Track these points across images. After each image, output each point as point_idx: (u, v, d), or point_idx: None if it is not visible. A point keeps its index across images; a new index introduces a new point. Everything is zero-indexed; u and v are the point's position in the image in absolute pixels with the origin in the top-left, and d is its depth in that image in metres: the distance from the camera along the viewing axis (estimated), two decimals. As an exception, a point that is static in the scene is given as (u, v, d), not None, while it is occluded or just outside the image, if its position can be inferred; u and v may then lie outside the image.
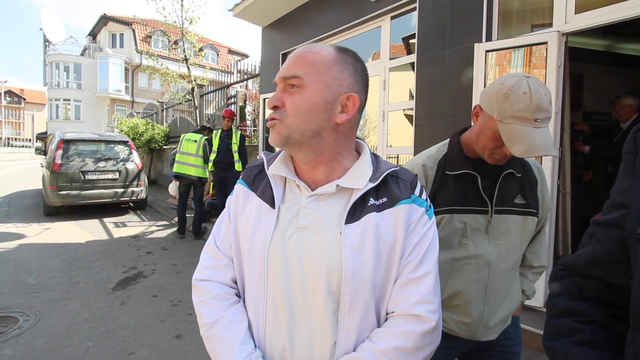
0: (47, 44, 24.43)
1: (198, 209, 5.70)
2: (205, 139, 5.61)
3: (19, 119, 38.13)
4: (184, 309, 3.25)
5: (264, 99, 5.83)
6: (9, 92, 39.59)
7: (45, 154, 7.98)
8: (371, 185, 0.76)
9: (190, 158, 5.56)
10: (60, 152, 6.71)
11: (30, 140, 30.18)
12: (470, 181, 1.11)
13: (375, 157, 0.83)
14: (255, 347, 0.77)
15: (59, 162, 6.61)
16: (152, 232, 6.05)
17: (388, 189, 0.78)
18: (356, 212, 0.74)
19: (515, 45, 2.76)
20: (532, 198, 1.16)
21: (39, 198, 8.03)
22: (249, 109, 9.07)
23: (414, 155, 3.55)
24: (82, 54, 25.78)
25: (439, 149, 1.21)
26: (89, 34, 27.18)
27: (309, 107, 0.72)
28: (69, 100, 24.60)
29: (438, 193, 1.14)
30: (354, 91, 0.75)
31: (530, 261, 1.27)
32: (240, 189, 0.87)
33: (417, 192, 0.80)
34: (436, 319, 0.72)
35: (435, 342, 0.74)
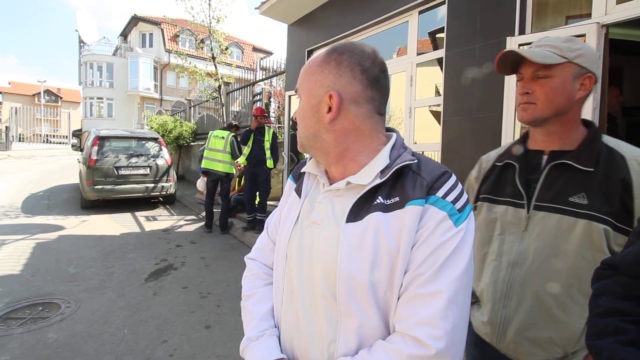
0: (81, 44, 25.54)
1: (224, 205, 5.83)
2: (233, 136, 5.73)
3: (56, 117, 40.11)
4: (213, 301, 3.35)
5: (289, 96, 5.88)
6: (47, 92, 41.70)
7: (81, 150, 8.37)
8: (378, 181, 0.70)
9: (217, 154, 5.70)
10: (95, 148, 7.03)
11: (66, 137, 31.71)
12: (512, 172, 1.04)
13: (397, 151, 0.75)
14: (275, 326, 0.84)
15: (95, 158, 6.93)
16: (181, 226, 6.25)
17: (402, 186, 0.70)
18: (360, 210, 0.70)
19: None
20: (609, 201, 0.88)
21: (76, 192, 8.45)
22: (273, 106, 9.18)
23: (441, 152, 3.50)
24: (114, 54, 26.78)
25: (510, 144, 1.14)
26: (121, 34, 28.20)
27: (302, 115, 0.79)
28: (102, 98, 25.65)
29: (483, 184, 1.13)
30: (335, 88, 0.73)
31: None
32: (289, 183, 0.94)
33: (440, 193, 0.68)
34: (439, 346, 0.61)
35: None
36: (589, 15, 2.60)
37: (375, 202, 0.70)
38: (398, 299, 0.67)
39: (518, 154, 1.06)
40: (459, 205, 0.68)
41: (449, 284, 0.63)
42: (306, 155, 0.93)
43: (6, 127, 24.37)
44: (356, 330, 0.69)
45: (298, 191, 0.86)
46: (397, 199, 0.69)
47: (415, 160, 0.72)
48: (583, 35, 2.50)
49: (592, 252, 0.89)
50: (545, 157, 1.01)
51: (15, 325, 2.81)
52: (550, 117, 0.97)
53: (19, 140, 25.96)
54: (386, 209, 0.69)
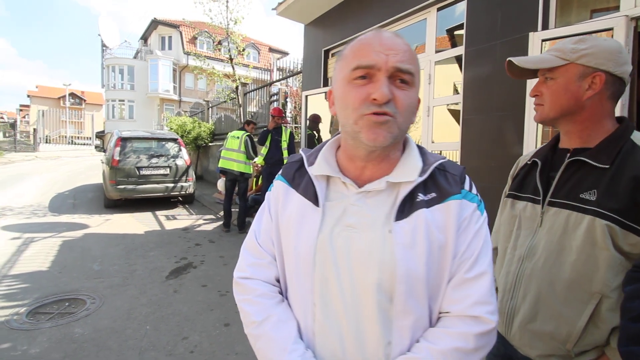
0: (104, 48, 26.30)
1: (242, 204, 5.90)
2: (247, 135, 5.80)
3: (80, 119, 41.46)
4: (231, 299, 3.38)
5: (306, 96, 5.89)
6: (72, 95, 43.14)
7: (104, 150, 8.62)
8: (420, 179, 0.73)
9: (232, 154, 5.79)
10: (118, 149, 7.23)
11: (90, 138, 32.74)
12: (535, 169, 1.08)
13: (420, 149, 0.79)
14: (306, 348, 0.75)
15: (117, 158, 7.12)
16: (199, 225, 6.36)
17: (436, 183, 0.74)
18: (405, 208, 0.71)
19: (576, 33, 2.57)
20: (617, 197, 0.87)
21: (100, 191, 8.71)
22: (289, 106, 9.22)
23: (461, 151, 3.44)
24: (135, 57, 27.45)
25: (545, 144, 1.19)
26: (141, 38, 28.88)
27: (414, 110, 0.75)
28: (123, 100, 26.35)
29: (513, 181, 1.17)
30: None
31: None
32: (280, 186, 0.85)
33: (467, 186, 0.76)
34: (495, 319, 0.70)
35: (492, 342, 0.72)
36: (616, 8, 2.51)
37: (418, 199, 0.72)
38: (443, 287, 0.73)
39: (545, 152, 1.09)
40: (478, 195, 0.77)
41: (488, 265, 0.72)
42: (299, 151, 0.87)
43: (34, 130, 25.36)
44: (411, 327, 0.71)
45: (307, 195, 0.78)
46: (433, 194, 0.73)
47: (446, 160, 0.78)
48: (610, 30, 2.41)
49: (594, 249, 0.89)
50: (568, 155, 1.03)
51: (44, 319, 2.92)
52: (559, 118, 1.00)
53: (46, 142, 26.96)
54: (427, 204, 0.72)
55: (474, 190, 0.77)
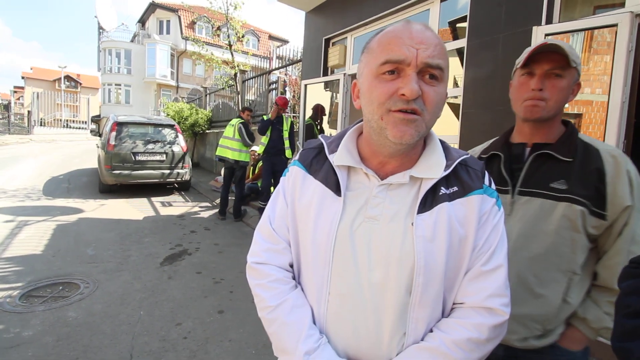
0: (101, 31, 25.84)
1: (238, 192, 5.89)
2: (241, 122, 5.76)
3: (75, 102, 40.96)
4: (226, 287, 3.40)
5: (305, 85, 5.84)
6: (67, 77, 42.53)
7: (99, 135, 8.54)
8: (444, 174, 0.73)
9: (228, 142, 5.79)
10: (114, 133, 7.16)
11: (85, 122, 32.38)
12: (497, 162, 1.13)
13: (443, 144, 0.79)
14: (321, 333, 0.76)
15: (113, 143, 7.05)
16: (195, 213, 6.35)
17: (458, 177, 0.75)
18: (427, 201, 0.72)
19: (580, 28, 2.55)
20: (585, 186, 0.98)
21: (95, 176, 8.65)
22: (288, 94, 9.13)
23: (459, 145, 3.43)
24: (132, 41, 27.02)
25: (494, 139, 1.24)
26: (139, 21, 28.39)
27: (442, 103, 0.72)
28: (120, 85, 26.01)
29: None
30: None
31: (605, 280, 1.01)
32: (297, 172, 0.84)
33: (487, 181, 0.78)
34: (508, 312, 0.73)
35: (504, 334, 0.75)
36: (622, 5, 2.48)
37: (441, 193, 0.73)
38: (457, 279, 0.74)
39: (502, 146, 1.15)
40: (496, 190, 0.79)
41: (504, 258, 0.75)
42: (319, 137, 0.86)
43: (28, 112, 25.03)
44: (426, 318, 0.72)
45: (328, 183, 0.77)
46: (455, 188, 0.74)
47: (469, 155, 0.79)
48: (614, 25, 2.39)
49: (570, 232, 0.99)
50: (527, 149, 1.10)
51: (37, 303, 2.91)
52: (553, 115, 1.05)
53: (40, 125, 26.64)
54: (450, 198, 0.73)
55: (493, 186, 0.79)
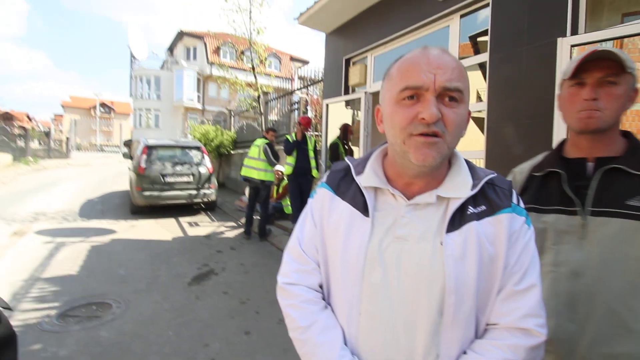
0: (133, 59, 27.37)
1: (263, 212, 5.95)
2: (266, 143, 5.85)
3: (109, 128, 43.27)
4: (252, 307, 3.41)
5: (327, 104, 5.92)
6: (102, 104, 45.12)
7: (131, 158, 8.92)
8: (471, 193, 0.74)
9: (253, 162, 5.88)
10: (144, 156, 7.46)
11: (117, 146, 34.01)
12: (556, 180, 1.03)
13: (468, 164, 0.80)
14: (352, 354, 0.76)
15: (144, 165, 7.34)
16: (221, 232, 6.45)
17: (486, 196, 0.75)
18: (455, 221, 0.72)
19: (607, 38, 2.48)
20: None
21: (126, 198, 8.99)
22: (310, 114, 9.27)
23: (485, 160, 3.35)
24: (161, 68, 28.42)
25: (544, 155, 1.14)
26: (168, 49, 29.91)
27: (463, 125, 0.72)
28: (150, 109, 27.24)
29: (522, 195, 1.10)
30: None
31: None
32: (325, 193, 0.86)
33: (514, 200, 0.77)
34: (545, 333, 0.71)
35: (540, 356, 0.73)
36: (651, 12, 2.40)
37: (469, 212, 0.73)
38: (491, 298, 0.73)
39: (557, 162, 1.05)
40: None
41: (537, 277, 0.73)
42: (345, 159, 0.88)
43: (67, 138, 26.58)
44: (459, 339, 0.71)
45: (356, 204, 0.79)
46: (483, 207, 0.74)
47: (495, 174, 0.79)
48: (646, 33, 2.30)
49: None
50: (589, 164, 1.01)
51: (72, 322, 3.02)
52: (612, 126, 0.97)
53: (77, 149, 28.18)
54: (478, 217, 0.73)
55: (522, 204, 0.78)
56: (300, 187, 5.58)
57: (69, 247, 5.20)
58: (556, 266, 0.99)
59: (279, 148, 7.64)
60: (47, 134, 25.48)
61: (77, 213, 7.70)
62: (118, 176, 14.54)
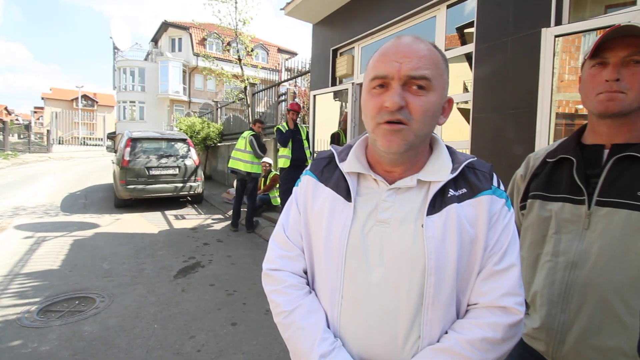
0: (116, 51, 26.69)
1: (250, 204, 5.91)
2: (252, 135, 5.80)
3: (92, 120, 42.18)
4: (239, 299, 3.39)
5: (314, 96, 5.88)
6: (84, 97, 43.90)
7: (115, 151, 8.73)
8: (451, 176, 0.75)
9: (239, 154, 5.82)
10: (128, 149, 7.31)
11: (101, 139, 33.22)
12: (568, 168, 0.98)
13: (449, 149, 0.82)
14: (335, 337, 0.77)
15: (128, 158, 7.20)
16: (208, 225, 6.39)
17: (467, 180, 0.77)
18: (436, 203, 0.74)
19: (590, 28, 2.50)
20: None
21: (110, 191, 8.82)
22: (298, 106, 9.19)
23: (471, 150, 3.38)
24: (145, 59, 27.79)
25: (562, 140, 1.08)
26: (152, 40, 29.24)
27: (432, 112, 0.72)
28: (134, 102, 26.70)
29: (532, 181, 1.07)
30: (447, 91, 0.79)
31: None
32: (309, 180, 0.87)
33: (495, 182, 0.78)
34: (523, 311, 0.72)
35: (520, 334, 0.74)
36: (633, 3, 2.44)
37: (449, 195, 0.74)
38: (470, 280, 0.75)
39: (574, 149, 0.99)
40: (505, 191, 0.79)
41: (516, 257, 0.75)
42: (329, 147, 0.89)
43: (47, 131, 25.83)
44: (440, 320, 0.72)
45: (339, 190, 0.80)
46: (464, 190, 0.75)
47: (475, 158, 0.80)
48: (627, 24, 2.34)
49: None
50: (606, 151, 0.94)
51: (54, 317, 2.95)
52: (636, 109, 0.89)
53: (59, 143, 27.44)
54: (459, 199, 0.74)
55: (502, 187, 0.79)
56: (295, 179, 5.38)
57: (50, 241, 5.08)
58: (555, 256, 0.97)
59: (267, 140, 7.58)
60: (27, 127, 24.69)
61: (59, 207, 7.51)
62: (102, 169, 14.24)
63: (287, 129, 5.27)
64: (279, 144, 5.35)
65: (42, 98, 47.32)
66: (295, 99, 8.98)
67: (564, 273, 0.94)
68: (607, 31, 0.88)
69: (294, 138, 5.26)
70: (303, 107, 8.84)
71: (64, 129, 33.28)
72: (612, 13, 2.55)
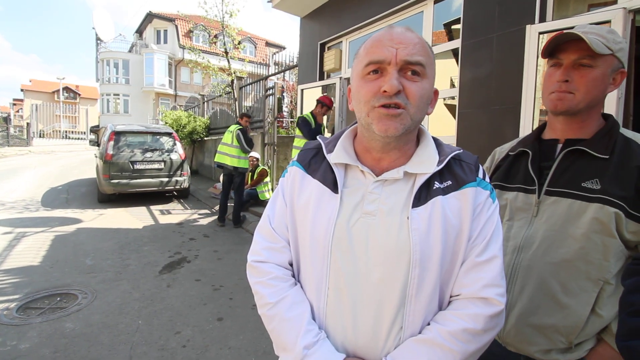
0: (98, 42, 25.97)
1: (237, 199, 5.87)
2: (239, 129, 5.74)
3: (74, 113, 41.09)
4: (225, 294, 3.37)
5: (302, 90, 5.85)
6: (66, 89, 42.71)
7: (98, 145, 8.53)
8: (437, 168, 0.75)
9: (226, 148, 5.76)
10: (111, 143, 7.15)
11: (84, 132, 32.44)
12: (525, 160, 1.05)
13: (436, 141, 0.81)
14: (320, 328, 0.77)
15: (111, 152, 7.05)
16: (194, 220, 6.32)
17: (452, 172, 0.77)
18: (422, 196, 0.74)
19: (573, 26, 2.54)
20: (623, 186, 0.88)
21: (94, 186, 8.63)
22: (286, 100, 9.15)
23: (456, 144, 3.42)
24: (129, 51, 27.16)
25: (525, 135, 1.16)
26: (136, 31, 28.57)
27: (425, 99, 0.73)
28: (118, 95, 26.09)
29: (494, 172, 1.14)
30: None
31: None
32: (296, 171, 0.86)
33: (480, 174, 0.79)
34: (504, 301, 0.73)
35: (501, 325, 0.74)
36: (615, 1, 2.49)
37: (435, 187, 0.75)
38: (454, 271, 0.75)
39: (532, 143, 1.07)
40: (489, 183, 0.80)
41: (498, 249, 0.75)
42: (317, 138, 0.89)
43: (27, 124, 25.08)
44: (423, 311, 0.73)
45: (325, 181, 0.80)
46: (449, 182, 0.76)
47: (462, 150, 0.81)
48: (608, 22, 2.39)
49: (602, 237, 0.89)
50: (559, 146, 1.02)
51: (34, 314, 2.88)
52: (584, 109, 0.96)
53: (40, 136, 26.69)
54: (444, 192, 0.75)
55: (487, 179, 0.80)
56: None
57: (30, 237, 4.95)
58: (505, 240, 1.03)
59: (254, 134, 7.52)
60: (6, 120, 23.91)
61: (40, 202, 7.32)
62: (84, 164, 13.92)
63: (314, 122, 4.70)
64: (302, 134, 4.72)
65: (22, 90, 45.84)
66: (284, 93, 8.92)
67: (512, 256, 1.01)
68: (553, 36, 0.96)
69: (317, 133, 4.61)
70: (291, 102, 8.80)
71: (45, 122, 32.36)
72: (594, 11, 2.60)
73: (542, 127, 1.11)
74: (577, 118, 0.99)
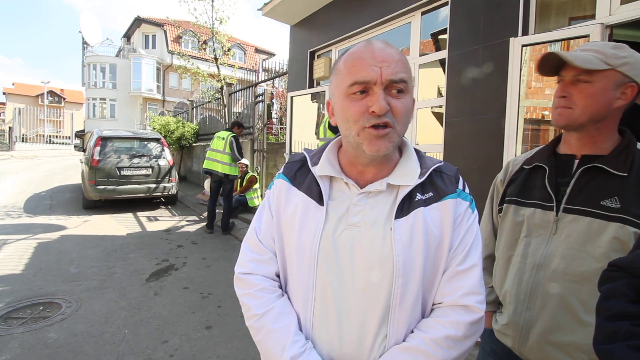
0: (85, 46, 25.61)
1: (226, 206, 5.83)
2: (232, 136, 5.71)
3: (59, 118, 40.29)
4: (214, 301, 3.34)
5: (292, 97, 5.88)
6: (51, 93, 41.91)
7: (83, 150, 8.38)
8: (419, 181, 0.78)
9: (217, 155, 5.71)
10: (98, 148, 7.04)
11: (69, 137, 31.78)
12: (541, 175, 1.05)
13: (418, 153, 0.84)
14: (306, 339, 0.78)
15: (97, 158, 6.93)
16: (182, 227, 6.25)
17: (433, 183, 0.80)
18: (404, 207, 0.76)
19: (554, 39, 2.64)
20: None
21: (79, 192, 8.46)
22: (275, 107, 9.16)
23: (444, 153, 3.49)
24: (117, 55, 26.85)
25: (539, 148, 1.15)
26: (124, 36, 28.30)
27: (410, 114, 0.75)
28: (105, 99, 25.72)
29: (509, 186, 1.14)
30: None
31: None
32: (282, 184, 0.87)
33: (460, 186, 0.82)
34: (484, 309, 0.76)
35: (481, 331, 0.77)
36: (593, 16, 2.59)
37: (417, 199, 0.77)
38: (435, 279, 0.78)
39: (548, 157, 1.06)
40: (470, 194, 0.83)
41: (478, 258, 0.78)
42: (302, 150, 0.91)
43: (9, 128, 24.45)
44: (407, 320, 0.75)
45: (311, 194, 0.81)
46: (431, 194, 0.78)
47: (443, 162, 0.83)
48: (587, 36, 2.48)
49: (622, 256, 0.89)
50: (576, 162, 1.00)
51: (16, 324, 2.81)
52: (586, 123, 0.96)
53: (22, 141, 26.03)
54: (425, 203, 0.77)
55: (467, 190, 0.83)
56: None
57: (12, 244, 4.82)
58: (524, 257, 1.04)
59: (243, 140, 7.50)
60: (-13, 124, 23.26)
61: (22, 208, 7.14)
62: (69, 169, 13.63)
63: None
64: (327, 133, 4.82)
65: (4, 93, 44.73)
66: (273, 100, 8.94)
67: (531, 274, 1.01)
68: (540, 58, 0.99)
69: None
70: (280, 108, 8.82)
71: (28, 126, 31.62)
72: (575, 26, 2.70)
73: (557, 140, 1.10)
74: (584, 133, 0.98)
